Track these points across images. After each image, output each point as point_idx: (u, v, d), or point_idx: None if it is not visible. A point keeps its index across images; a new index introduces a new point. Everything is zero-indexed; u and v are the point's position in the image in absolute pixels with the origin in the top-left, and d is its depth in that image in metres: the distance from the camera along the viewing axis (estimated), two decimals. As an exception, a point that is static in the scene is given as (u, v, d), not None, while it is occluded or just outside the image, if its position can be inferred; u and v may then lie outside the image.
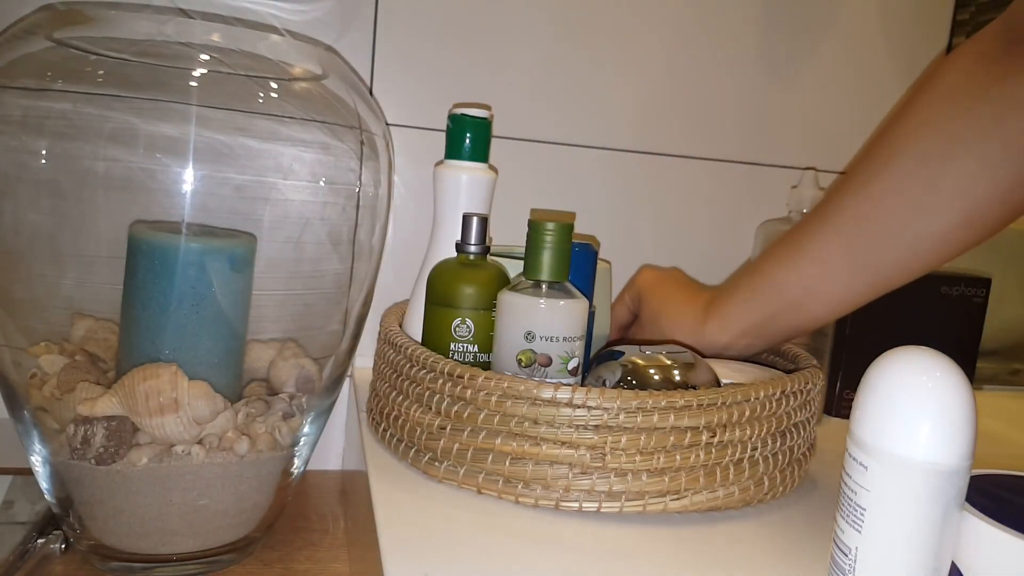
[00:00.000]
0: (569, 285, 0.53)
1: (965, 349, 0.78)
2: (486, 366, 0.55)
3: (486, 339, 0.55)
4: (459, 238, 0.57)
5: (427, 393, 0.51)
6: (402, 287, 0.74)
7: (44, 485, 0.51)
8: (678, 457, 0.47)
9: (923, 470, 0.35)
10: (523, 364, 0.51)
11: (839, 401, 0.75)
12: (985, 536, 0.36)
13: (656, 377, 0.53)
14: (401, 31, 0.72)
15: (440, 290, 0.56)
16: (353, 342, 0.61)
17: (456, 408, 0.49)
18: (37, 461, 0.51)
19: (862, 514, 0.37)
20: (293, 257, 0.57)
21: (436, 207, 0.62)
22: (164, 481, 0.49)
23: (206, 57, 0.52)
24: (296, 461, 0.56)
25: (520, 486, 0.48)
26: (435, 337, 0.56)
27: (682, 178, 0.81)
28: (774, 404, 0.51)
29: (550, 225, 0.51)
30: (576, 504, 0.47)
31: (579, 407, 0.46)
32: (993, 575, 0.35)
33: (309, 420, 0.56)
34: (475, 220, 0.56)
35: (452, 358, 0.55)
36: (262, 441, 0.52)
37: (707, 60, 0.80)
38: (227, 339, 0.52)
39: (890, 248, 0.54)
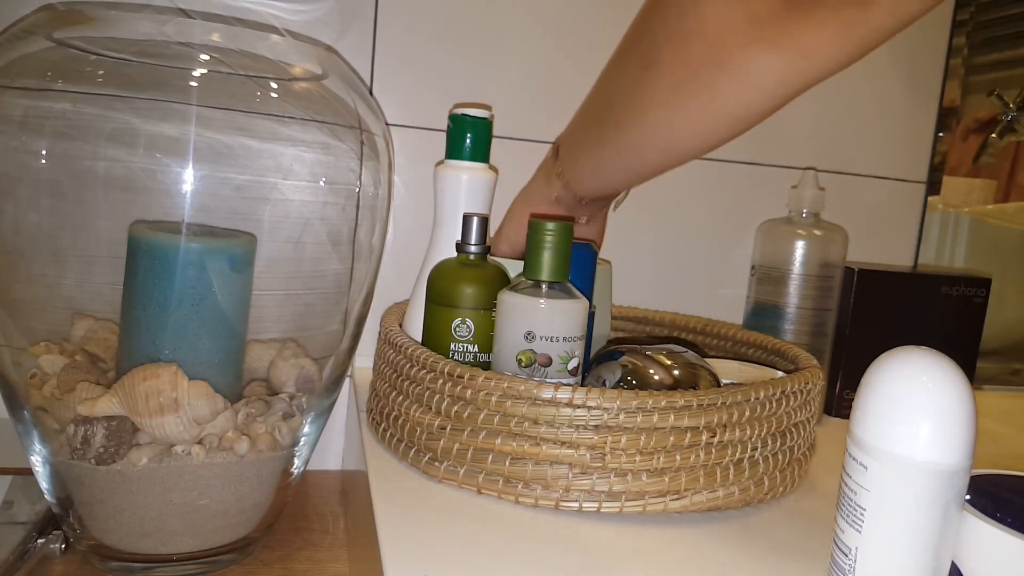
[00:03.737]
0: (569, 285, 0.53)
1: (965, 349, 0.78)
2: (486, 366, 0.55)
3: (486, 339, 0.55)
4: (459, 238, 0.57)
5: (427, 393, 0.51)
6: (402, 287, 0.74)
7: (44, 485, 0.51)
8: (678, 457, 0.47)
9: (923, 470, 0.35)
10: (523, 364, 0.51)
11: (839, 401, 0.75)
12: (985, 536, 0.36)
13: (656, 377, 0.53)
14: (401, 31, 0.72)
15: (440, 290, 0.56)
16: (353, 342, 0.61)
17: (456, 408, 0.49)
18: (37, 461, 0.51)
19: (862, 514, 0.37)
20: (293, 257, 0.57)
21: (436, 207, 0.62)
22: (164, 481, 0.49)
23: (206, 57, 0.52)
24: (296, 461, 0.56)
25: (520, 486, 0.48)
26: (435, 337, 0.56)
27: (682, 178, 0.81)
28: (774, 404, 0.51)
29: (550, 225, 0.51)
30: (576, 504, 0.47)
31: (579, 407, 0.46)
32: (993, 575, 0.35)
33: (309, 420, 0.56)
34: (475, 220, 0.56)
35: (452, 358, 0.55)
36: (262, 441, 0.52)
37: (707, 60, 0.80)
38: (227, 339, 0.52)
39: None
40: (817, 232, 0.73)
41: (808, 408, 0.55)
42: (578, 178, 0.60)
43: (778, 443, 0.51)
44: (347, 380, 0.69)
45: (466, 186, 0.61)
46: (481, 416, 0.48)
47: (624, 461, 0.47)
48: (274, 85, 0.54)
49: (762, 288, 0.76)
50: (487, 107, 0.71)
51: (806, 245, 0.73)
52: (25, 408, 0.50)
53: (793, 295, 0.73)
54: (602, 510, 0.47)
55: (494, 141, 0.68)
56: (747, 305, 0.79)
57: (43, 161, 0.49)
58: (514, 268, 0.58)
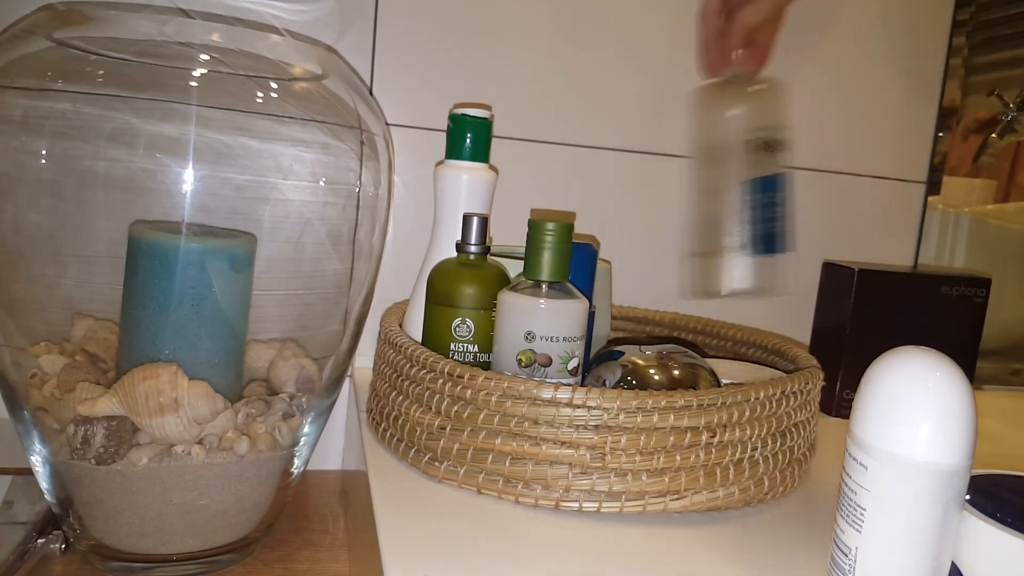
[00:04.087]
0: (569, 285, 0.53)
1: (965, 349, 0.78)
2: (486, 366, 0.55)
3: (486, 339, 0.55)
4: (459, 238, 0.57)
5: (427, 393, 0.51)
6: (402, 287, 0.74)
7: (44, 485, 0.51)
8: (678, 457, 0.47)
9: (923, 470, 0.35)
10: (523, 364, 0.51)
11: (839, 401, 0.75)
12: (985, 536, 0.36)
13: (656, 377, 0.53)
14: (401, 31, 0.72)
15: (440, 290, 0.56)
16: (353, 342, 0.61)
17: (456, 408, 0.49)
18: (37, 461, 0.51)
19: (862, 514, 0.37)
20: (293, 257, 0.57)
21: (436, 207, 0.62)
22: (164, 481, 0.49)
23: (206, 57, 0.52)
24: (296, 461, 0.56)
25: (520, 486, 0.48)
26: (435, 337, 0.56)
27: (682, 178, 0.81)
28: (774, 404, 0.51)
29: (550, 225, 0.51)
30: (576, 504, 0.47)
31: (579, 407, 0.46)
32: (993, 575, 0.35)
33: (309, 420, 0.56)
34: (475, 220, 0.56)
35: (452, 358, 0.55)
36: (262, 441, 0.52)
37: (707, 60, 0.80)
38: (227, 339, 0.52)
39: None
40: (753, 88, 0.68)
41: (808, 408, 0.55)
42: None
43: (778, 443, 0.51)
44: (347, 380, 0.69)
45: (466, 186, 0.61)
46: (481, 416, 0.48)
47: (624, 461, 0.47)
48: (274, 85, 0.54)
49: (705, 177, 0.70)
50: (487, 107, 0.71)
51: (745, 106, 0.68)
52: (25, 408, 0.50)
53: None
54: (602, 510, 0.47)
55: (494, 141, 0.68)
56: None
57: (43, 161, 0.49)
58: (514, 268, 0.58)
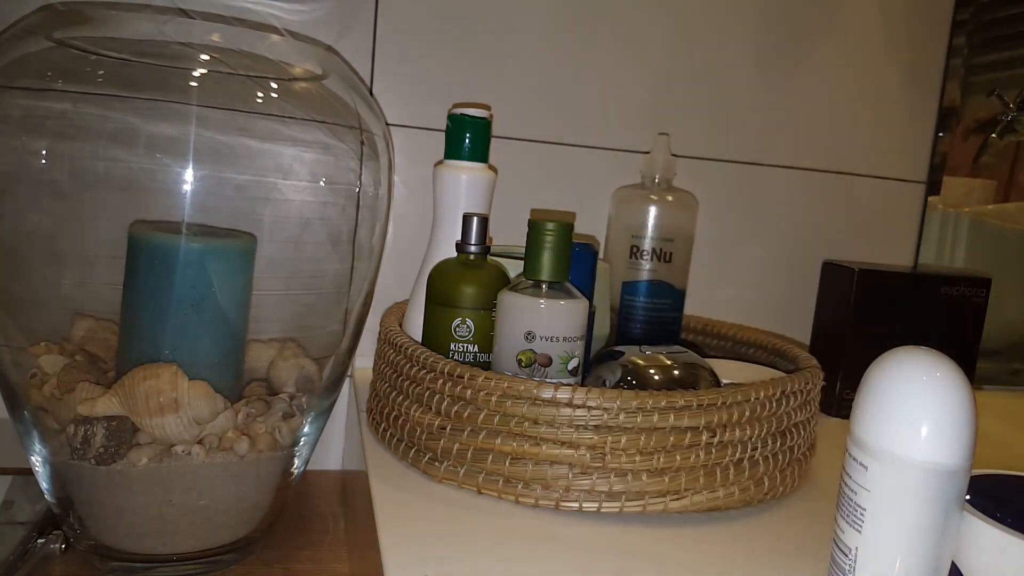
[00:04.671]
0: (569, 285, 0.53)
1: (965, 349, 0.78)
2: (486, 366, 0.55)
3: (486, 339, 0.55)
4: (459, 238, 0.57)
5: (427, 393, 0.51)
6: (402, 287, 0.74)
7: (44, 485, 0.51)
8: (678, 457, 0.47)
9: (923, 470, 0.35)
10: (523, 364, 0.51)
11: (839, 401, 0.75)
12: (985, 536, 0.36)
13: (656, 377, 0.53)
14: (401, 31, 0.72)
15: (440, 290, 0.56)
16: (353, 342, 0.61)
17: (456, 408, 0.49)
18: (37, 461, 0.51)
19: (862, 514, 0.37)
20: (293, 257, 0.57)
21: (436, 207, 0.62)
22: (164, 481, 0.49)
23: (206, 57, 0.52)
24: (296, 461, 0.56)
25: (520, 486, 0.48)
26: (435, 337, 0.56)
27: (682, 178, 0.81)
28: (774, 404, 0.51)
29: (550, 225, 0.51)
30: (576, 504, 0.47)
31: (579, 407, 0.46)
32: (993, 575, 0.35)
33: (309, 420, 0.56)
34: (475, 220, 0.56)
35: (452, 358, 0.55)
36: (262, 441, 0.52)
37: (707, 60, 0.80)
38: (227, 339, 0.52)
39: None
40: (669, 198, 0.72)
41: (808, 408, 0.55)
42: None
43: (778, 443, 0.51)
44: (347, 380, 0.69)
45: (465, 186, 0.61)
46: (481, 416, 0.48)
47: (624, 461, 0.47)
48: (274, 85, 0.54)
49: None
50: (486, 107, 0.71)
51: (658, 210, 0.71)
52: (25, 408, 0.50)
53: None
54: (602, 510, 0.47)
55: (494, 141, 0.68)
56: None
57: (43, 161, 0.49)
58: (514, 268, 0.58)
